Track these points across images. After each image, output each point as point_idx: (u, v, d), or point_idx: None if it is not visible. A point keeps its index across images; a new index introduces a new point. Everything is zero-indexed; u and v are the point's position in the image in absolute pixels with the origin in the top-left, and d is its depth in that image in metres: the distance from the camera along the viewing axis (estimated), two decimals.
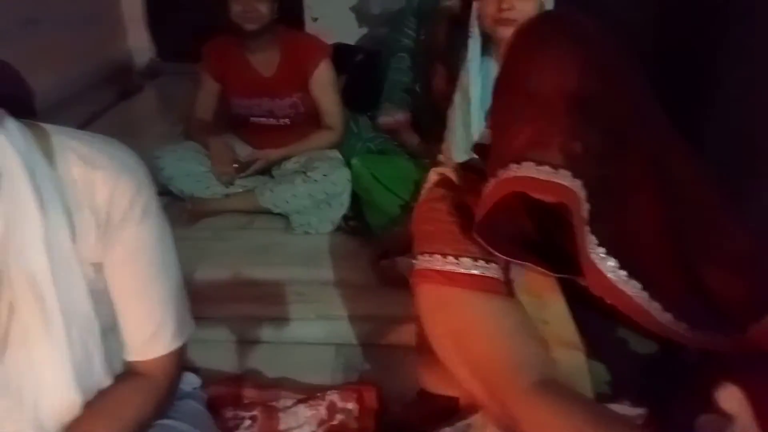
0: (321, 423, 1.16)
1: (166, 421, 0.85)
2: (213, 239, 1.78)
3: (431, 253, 0.80)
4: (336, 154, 1.94)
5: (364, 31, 3.88)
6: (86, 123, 2.77)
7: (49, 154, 0.74)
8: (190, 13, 3.84)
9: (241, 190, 1.91)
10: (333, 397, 1.20)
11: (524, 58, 0.71)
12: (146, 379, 0.81)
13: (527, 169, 0.66)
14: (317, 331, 1.45)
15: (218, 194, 1.88)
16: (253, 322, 1.43)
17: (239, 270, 1.58)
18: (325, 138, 1.97)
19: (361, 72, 2.99)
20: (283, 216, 1.86)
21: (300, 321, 1.46)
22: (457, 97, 1.56)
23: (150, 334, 0.80)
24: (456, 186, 0.88)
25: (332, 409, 1.18)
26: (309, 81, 1.90)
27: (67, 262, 0.72)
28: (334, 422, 1.16)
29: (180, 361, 0.86)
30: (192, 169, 1.85)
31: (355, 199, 1.84)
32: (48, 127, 0.77)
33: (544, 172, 0.65)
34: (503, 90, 0.75)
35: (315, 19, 3.93)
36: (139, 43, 3.95)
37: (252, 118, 1.97)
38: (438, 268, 0.79)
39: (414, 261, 0.83)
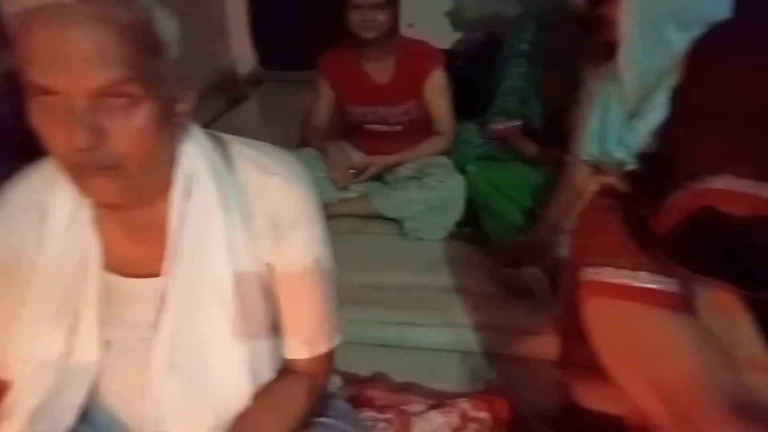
0: (455, 431, 1.16)
1: (324, 420, 0.88)
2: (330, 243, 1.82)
3: (600, 265, 0.78)
4: (448, 160, 1.94)
5: (459, 35, 3.88)
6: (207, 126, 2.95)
7: (228, 162, 0.79)
8: (290, 22, 4.01)
9: (355, 194, 1.95)
10: (464, 405, 1.20)
11: (716, 69, 0.68)
12: (306, 376, 0.84)
13: (726, 182, 0.63)
14: (442, 337, 1.45)
15: (333, 199, 1.93)
16: (377, 326, 1.46)
17: (360, 273, 1.62)
18: (436, 144, 1.98)
19: (462, 77, 2.99)
20: (396, 221, 1.88)
21: (424, 327, 1.46)
22: (592, 96, 1.50)
23: (312, 333, 0.84)
24: (623, 196, 0.85)
25: (465, 417, 1.18)
26: (422, 88, 1.92)
27: (244, 260, 0.77)
28: (468, 431, 1.16)
29: (333, 360, 0.90)
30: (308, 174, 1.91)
31: (469, 205, 1.84)
32: (225, 136, 0.83)
33: (745, 185, 0.62)
34: (689, 100, 0.72)
35: (410, 25, 3.96)
36: (242, 52, 4.16)
37: (366, 125, 2.01)
38: (610, 280, 0.77)
39: (584, 273, 0.81)
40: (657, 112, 1.32)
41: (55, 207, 0.77)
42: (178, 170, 0.74)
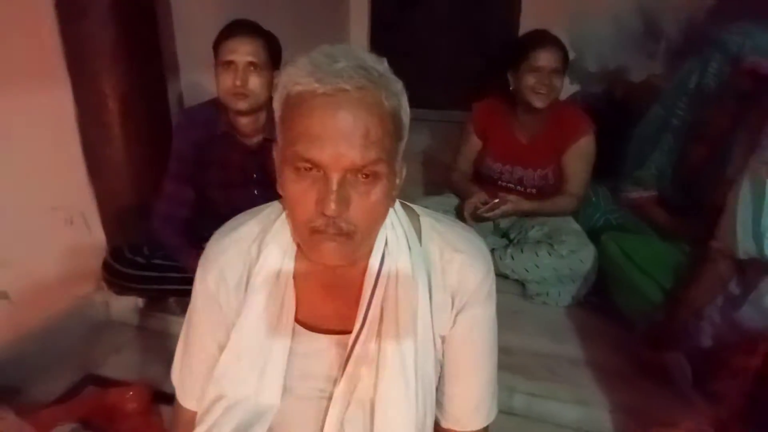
0: None
1: None
2: None
3: None
4: (579, 227, 1.89)
5: (576, 88, 3.83)
6: None
7: (419, 234, 0.84)
8: (410, 60, 4.13)
9: None
10: None
11: None
12: None
13: None
14: (572, 414, 1.41)
15: None
16: (504, 391, 1.44)
17: None
18: (564, 203, 1.92)
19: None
20: (518, 281, 1.86)
21: (553, 401, 1.43)
22: (746, 183, 1.43)
23: (473, 407, 0.86)
24: None
25: None
26: (565, 152, 1.87)
27: (426, 331, 0.80)
28: None
29: None
30: None
31: (598, 274, 1.78)
32: (417, 208, 0.87)
33: None
34: None
35: None
36: None
37: (500, 183, 1.99)
38: None
39: None
40: None
41: (264, 260, 0.85)
42: (379, 238, 0.79)
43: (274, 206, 0.93)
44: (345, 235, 0.72)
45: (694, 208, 1.80)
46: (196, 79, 2.25)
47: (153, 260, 1.61)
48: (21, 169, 1.46)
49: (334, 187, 0.69)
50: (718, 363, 1.37)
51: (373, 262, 0.79)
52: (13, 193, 1.45)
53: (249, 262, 0.87)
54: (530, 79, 1.77)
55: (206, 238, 1.73)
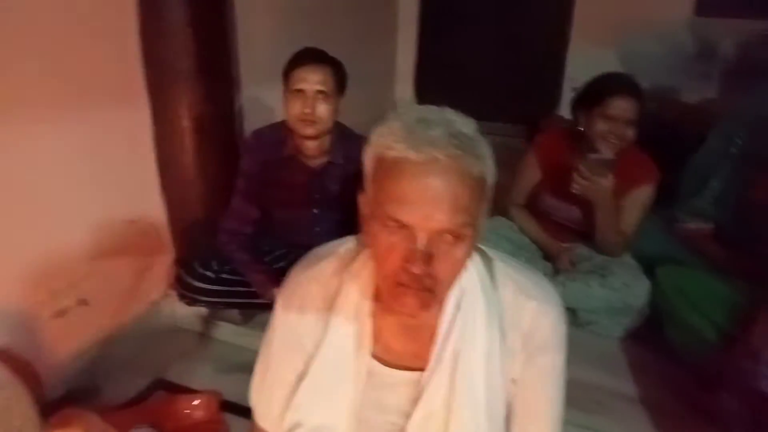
0: None
1: None
2: None
3: None
4: (632, 259, 1.88)
5: None
6: None
7: (493, 278, 0.87)
8: (453, 72, 4.17)
9: None
10: None
11: None
12: None
13: None
14: None
15: None
16: None
17: None
18: (618, 243, 1.86)
19: None
20: (569, 308, 1.85)
21: None
22: None
23: None
24: None
25: None
26: (624, 197, 1.81)
27: (496, 373, 0.84)
28: None
29: None
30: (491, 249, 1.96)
31: (651, 307, 1.77)
32: (490, 252, 0.91)
33: None
34: None
35: (575, 89, 3.96)
36: (404, 96, 4.38)
37: (553, 217, 1.98)
38: None
39: None
40: None
41: (344, 297, 0.91)
42: (455, 284, 0.83)
43: (352, 243, 0.98)
44: (428, 290, 0.76)
45: (754, 243, 1.78)
46: (257, 92, 2.33)
47: (221, 275, 1.69)
48: (102, 183, 1.55)
49: (422, 247, 0.73)
50: None
51: (449, 304, 0.84)
52: (95, 206, 1.55)
53: (329, 297, 0.93)
54: (602, 126, 1.71)
55: (267, 252, 1.80)
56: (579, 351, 1.70)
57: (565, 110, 3.96)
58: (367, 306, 0.90)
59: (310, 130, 1.56)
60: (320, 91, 1.53)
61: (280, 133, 1.65)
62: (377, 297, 0.90)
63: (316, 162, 1.68)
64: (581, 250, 1.95)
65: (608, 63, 3.75)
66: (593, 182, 1.74)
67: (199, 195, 1.78)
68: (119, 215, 1.65)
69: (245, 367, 1.47)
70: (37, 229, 1.38)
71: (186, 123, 1.68)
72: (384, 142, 0.77)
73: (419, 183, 0.73)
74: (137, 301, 1.78)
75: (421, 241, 0.74)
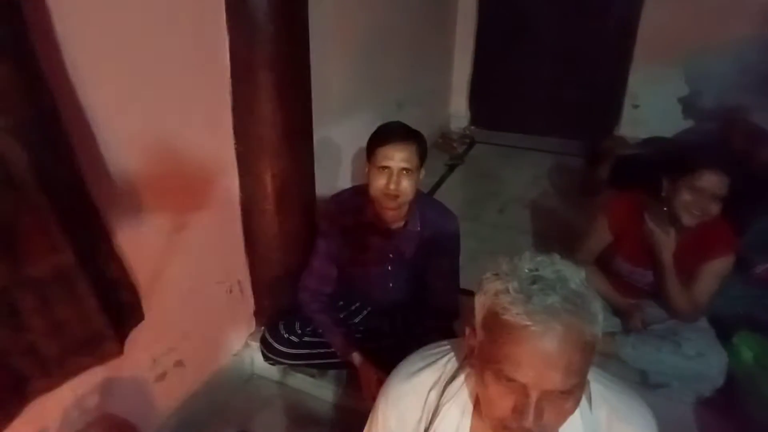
0: None
1: None
2: None
3: None
4: (707, 324, 1.86)
5: (689, 124, 3.68)
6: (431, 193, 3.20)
7: (588, 399, 0.92)
8: (506, 86, 4.13)
9: None
10: None
11: None
12: None
13: None
14: None
15: None
16: None
17: None
18: (686, 309, 1.83)
19: None
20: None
21: None
22: None
23: None
24: None
25: None
26: (701, 266, 1.79)
27: None
28: None
29: None
30: None
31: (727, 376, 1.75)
32: (590, 374, 0.95)
33: None
34: None
35: (636, 107, 3.88)
36: (458, 110, 4.37)
37: (626, 279, 1.98)
38: None
39: None
40: None
41: (443, 416, 0.97)
42: None
43: (451, 355, 1.03)
44: None
45: None
46: (327, 133, 2.38)
47: (304, 338, 1.78)
48: (195, 250, 1.64)
49: (534, 403, 0.78)
50: None
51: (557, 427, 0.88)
52: (188, 273, 1.64)
53: (427, 409, 0.99)
54: (687, 197, 1.69)
55: (343, 307, 1.85)
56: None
57: (625, 128, 3.89)
58: (466, 424, 0.96)
59: (393, 204, 1.60)
60: (405, 168, 1.57)
61: (359, 198, 1.71)
62: (476, 417, 0.95)
63: (393, 225, 1.73)
64: (653, 310, 1.94)
65: (672, 81, 3.66)
66: (657, 236, 1.75)
67: (280, 252, 1.86)
68: (209, 278, 1.75)
69: (321, 419, 1.55)
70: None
71: (270, 188, 1.75)
72: (500, 302, 0.81)
73: (536, 349, 0.77)
74: (222, 354, 1.89)
75: (533, 399, 0.79)
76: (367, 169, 1.62)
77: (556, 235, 2.77)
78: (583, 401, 0.93)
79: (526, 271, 0.83)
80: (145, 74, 1.33)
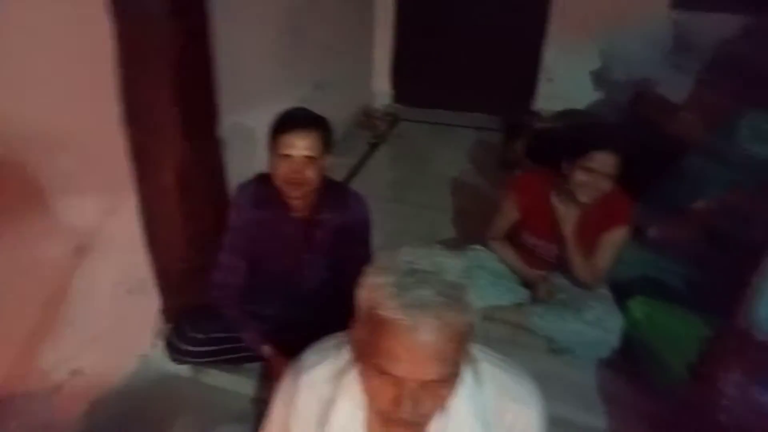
0: None
1: None
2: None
3: None
4: (607, 291, 1.97)
5: (601, 96, 3.83)
6: (347, 180, 3.19)
7: (478, 380, 0.96)
8: (429, 62, 4.14)
9: (507, 303, 2.04)
10: None
11: None
12: None
13: None
14: None
15: (487, 305, 2.04)
16: None
17: None
18: (588, 278, 1.95)
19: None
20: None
21: None
22: None
23: None
24: None
25: None
26: (600, 236, 1.90)
27: None
28: None
29: None
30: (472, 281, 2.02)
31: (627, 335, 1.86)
32: (476, 354, 0.98)
33: None
34: None
35: (550, 80, 3.98)
36: (381, 88, 4.34)
37: (535, 254, 2.06)
38: None
39: None
40: None
41: (337, 411, 0.98)
42: None
43: (345, 348, 1.03)
44: (416, 425, 0.84)
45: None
46: (240, 118, 2.30)
47: (212, 335, 1.73)
48: (93, 253, 1.56)
49: (409, 394, 0.80)
50: None
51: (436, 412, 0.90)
52: (79, 274, 1.55)
53: (323, 403, 1.00)
54: (581, 177, 1.79)
55: (255, 300, 1.80)
56: (556, 385, 1.81)
57: (541, 102, 4.00)
58: (360, 417, 0.97)
59: (297, 192, 1.58)
60: (308, 156, 1.53)
61: (265, 187, 1.66)
62: (370, 408, 0.96)
63: (302, 214, 1.70)
64: (559, 280, 2.04)
65: (585, 55, 3.78)
66: (559, 211, 1.85)
67: (185, 246, 1.79)
68: (103, 279, 1.66)
69: (241, 415, 1.52)
70: (29, 306, 1.39)
71: (169, 178, 1.67)
72: (375, 298, 0.81)
73: (409, 343, 0.78)
74: (128, 357, 1.81)
75: (409, 388, 0.80)
76: (269, 159, 1.58)
77: (477, 212, 2.82)
78: (471, 381, 0.96)
79: (404, 264, 0.83)
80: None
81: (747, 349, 1.56)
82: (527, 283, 2.10)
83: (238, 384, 1.81)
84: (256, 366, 1.82)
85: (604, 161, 1.75)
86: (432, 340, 0.78)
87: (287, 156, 1.53)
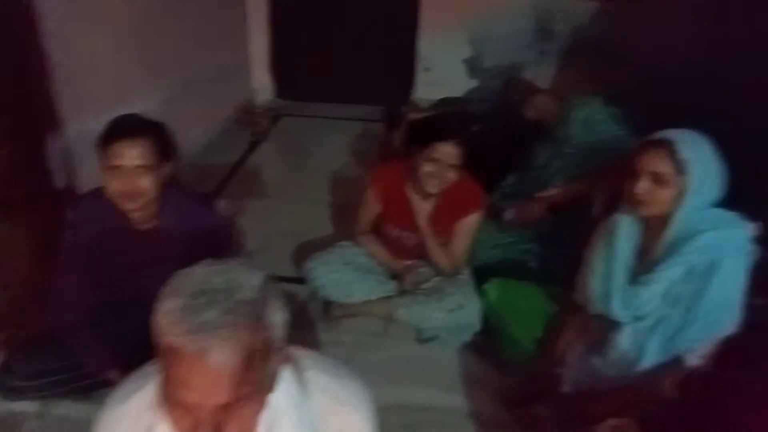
0: None
1: None
2: (355, 348, 1.99)
3: None
4: (467, 277, 2.05)
5: (474, 83, 3.97)
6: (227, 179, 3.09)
7: (304, 388, 0.95)
8: (309, 56, 4.09)
9: (376, 297, 2.08)
10: None
11: None
12: None
13: None
14: None
15: (357, 301, 2.07)
16: None
17: (383, 390, 1.75)
18: (447, 266, 2.04)
19: (476, 146, 3.10)
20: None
21: None
22: (601, 244, 1.60)
23: None
24: None
25: None
26: (455, 224, 1.98)
27: None
28: None
29: None
30: (339, 278, 2.04)
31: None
32: (301, 362, 0.98)
33: None
34: None
35: (427, 69, 4.07)
36: (261, 83, 4.24)
37: (399, 244, 2.11)
38: None
39: None
40: (661, 284, 1.47)
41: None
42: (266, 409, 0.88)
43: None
44: None
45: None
46: (93, 125, 2.14)
47: (48, 366, 1.62)
48: None
49: (208, 421, 0.77)
50: (578, 411, 1.60)
51: (261, 428, 0.88)
52: None
53: (145, 429, 0.95)
54: (427, 168, 1.84)
55: (106, 321, 1.70)
56: (423, 372, 1.90)
57: (421, 91, 4.08)
58: None
59: (132, 205, 1.49)
60: (140, 165, 1.45)
61: (101, 202, 1.56)
62: None
63: (145, 226, 1.62)
64: (423, 269, 2.10)
65: (458, 44, 3.90)
66: (413, 203, 1.91)
67: (13, 272, 1.65)
68: None
69: None
70: None
71: None
72: (162, 326, 0.77)
73: (196, 368, 0.75)
74: None
75: (207, 415, 0.78)
76: (101, 172, 1.49)
77: (357, 205, 2.84)
78: (296, 390, 0.95)
79: (194, 286, 0.80)
80: None
81: (585, 322, 1.69)
82: (395, 275, 2.15)
83: (93, 412, 1.70)
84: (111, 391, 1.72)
85: (447, 152, 1.81)
86: (220, 363, 0.75)
87: (117, 167, 1.45)
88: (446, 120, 1.92)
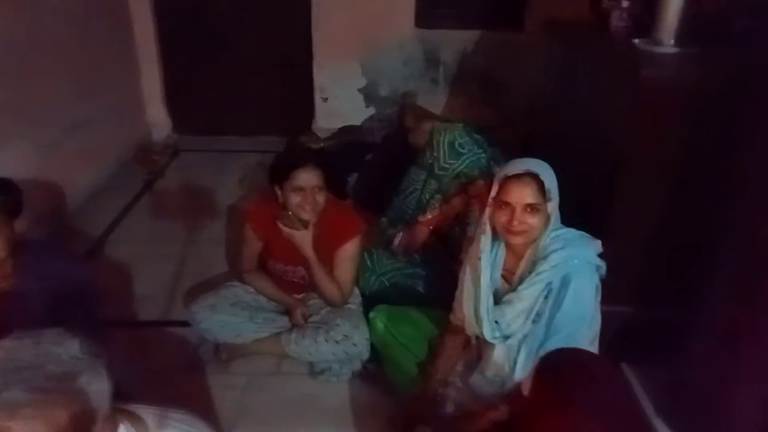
0: None
1: None
2: (246, 390, 1.96)
3: None
4: (355, 307, 2.07)
5: (371, 111, 4.08)
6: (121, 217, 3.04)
7: None
8: (204, 90, 4.05)
9: (266, 335, 2.05)
10: None
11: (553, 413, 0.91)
12: None
13: None
14: None
15: (247, 340, 2.04)
16: None
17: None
18: (333, 299, 2.03)
19: (370, 172, 3.18)
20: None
21: None
22: (467, 268, 1.66)
23: None
24: None
25: None
26: (335, 252, 1.99)
27: None
28: None
29: None
30: (226, 320, 2.00)
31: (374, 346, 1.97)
32: (150, 420, 0.96)
33: None
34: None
35: (325, 99, 4.13)
36: (158, 119, 4.14)
37: (285, 279, 2.10)
38: None
39: None
40: (523, 303, 1.56)
41: None
42: None
43: None
44: None
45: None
46: None
47: None
48: None
49: None
50: (458, 429, 1.66)
51: None
52: None
53: None
54: (295, 198, 1.87)
55: None
56: (314, 407, 1.88)
57: (321, 120, 4.13)
58: None
59: None
60: None
61: None
62: None
63: (1, 288, 1.53)
64: (313, 301, 2.10)
65: (352, 75, 4.00)
66: (294, 237, 1.90)
67: None
68: None
69: None
70: None
71: None
72: None
73: None
74: None
75: None
76: None
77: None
78: None
79: (5, 363, 0.77)
80: None
81: (464, 342, 1.75)
82: (287, 310, 2.14)
83: None
84: None
85: (307, 177, 1.85)
86: None
87: None
88: (298, 148, 1.95)
